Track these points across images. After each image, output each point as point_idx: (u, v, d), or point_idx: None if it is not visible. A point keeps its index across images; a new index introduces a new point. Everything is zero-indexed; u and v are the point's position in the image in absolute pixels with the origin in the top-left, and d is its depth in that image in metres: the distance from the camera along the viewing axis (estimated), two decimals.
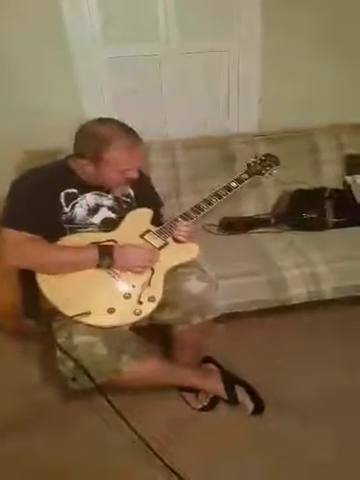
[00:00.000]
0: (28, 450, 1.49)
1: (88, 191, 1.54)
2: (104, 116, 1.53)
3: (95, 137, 1.42)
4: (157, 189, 1.84)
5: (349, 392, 1.67)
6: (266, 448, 1.48)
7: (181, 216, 1.60)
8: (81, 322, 1.35)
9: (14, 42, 2.07)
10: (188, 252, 1.55)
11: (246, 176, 1.83)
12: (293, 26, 2.27)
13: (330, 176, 2.39)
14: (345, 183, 2.34)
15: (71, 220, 1.51)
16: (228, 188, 1.74)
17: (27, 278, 1.43)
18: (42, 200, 1.44)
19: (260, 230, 2.18)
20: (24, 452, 1.49)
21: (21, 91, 2.17)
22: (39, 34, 2.08)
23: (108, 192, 1.58)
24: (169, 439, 1.49)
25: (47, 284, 1.39)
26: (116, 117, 1.52)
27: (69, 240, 1.47)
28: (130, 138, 1.45)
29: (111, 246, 1.43)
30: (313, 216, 2.15)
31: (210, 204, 1.65)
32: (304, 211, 2.16)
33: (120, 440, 1.47)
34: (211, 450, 1.48)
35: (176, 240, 1.56)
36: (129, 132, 1.46)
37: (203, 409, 1.63)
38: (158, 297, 1.43)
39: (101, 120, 1.48)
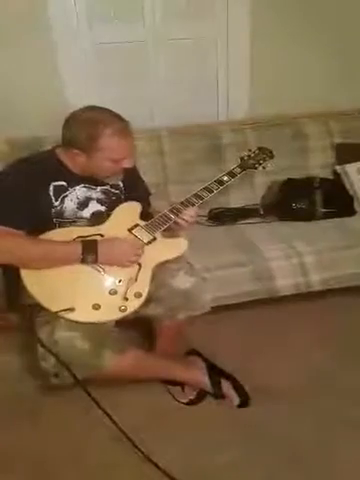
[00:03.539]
0: (5, 440, 1.49)
1: (77, 183, 1.50)
2: (89, 103, 1.48)
3: (88, 125, 1.38)
4: (144, 178, 1.80)
5: (333, 377, 1.68)
6: (251, 437, 1.48)
7: (170, 210, 1.55)
8: (64, 318, 1.33)
9: None
10: (176, 248, 1.52)
11: (239, 170, 1.79)
12: (282, 12, 2.23)
13: (319, 165, 2.36)
14: (335, 172, 2.32)
15: (61, 214, 1.47)
16: (220, 182, 1.69)
17: (11, 272, 1.39)
18: (29, 194, 1.40)
19: (249, 221, 2.16)
20: (1, 442, 1.48)
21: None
22: (21, 17, 1.99)
23: (97, 184, 1.54)
24: (151, 431, 1.47)
25: (31, 279, 1.36)
26: (101, 104, 1.47)
27: (55, 234, 1.43)
28: (122, 125, 1.41)
29: (95, 242, 1.39)
30: (302, 206, 2.14)
31: (201, 198, 1.61)
32: (293, 201, 2.14)
33: (101, 432, 1.46)
34: (194, 441, 1.47)
35: (176, 225, 1.54)
36: (120, 119, 1.42)
37: (190, 403, 1.61)
38: (144, 293, 1.41)
39: (91, 108, 1.44)
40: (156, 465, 1.34)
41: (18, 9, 1.97)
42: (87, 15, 2.08)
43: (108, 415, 1.35)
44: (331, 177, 2.34)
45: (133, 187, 1.66)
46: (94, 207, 1.54)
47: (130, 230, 1.50)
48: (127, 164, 1.47)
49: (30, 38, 2.03)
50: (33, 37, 2.03)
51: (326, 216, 2.13)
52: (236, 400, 1.60)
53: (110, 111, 1.43)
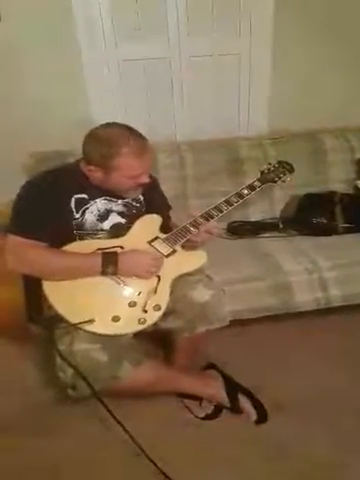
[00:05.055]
0: (21, 451, 1.49)
1: (99, 196, 1.51)
2: (113, 118, 1.51)
3: (103, 144, 1.39)
4: (164, 190, 1.81)
5: (348, 394, 1.66)
6: (264, 451, 1.46)
7: (191, 223, 1.56)
8: (84, 329, 1.34)
9: (23, 43, 2.04)
10: (196, 260, 1.52)
11: (259, 184, 1.79)
12: (303, 29, 2.24)
13: (339, 179, 2.34)
14: (356, 187, 2.30)
15: (81, 226, 1.48)
16: (240, 195, 1.71)
17: (32, 283, 1.41)
18: (52, 206, 1.41)
19: (268, 234, 2.15)
20: (17, 451, 1.49)
21: (27, 93, 2.14)
22: (48, 36, 2.05)
23: (118, 197, 1.55)
24: (166, 444, 1.47)
25: (52, 290, 1.38)
26: (125, 119, 1.49)
27: (75, 246, 1.45)
28: (138, 143, 1.41)
29: (115, 253, 1.41)
30: (322, 221, 2.12)
31: (221, 211, 1.62)
32: (313, 216, 2.13)
33: (116, 444, 1.46)
34: (207, 454, 1.46)
35: (191, 243, 1.55)
36: (137, 137, 1.42)
37: (206, 418, 1.59)
38: (164, 306, 1.41)
39: (108, 125, 1.45)
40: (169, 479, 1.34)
41: (44, 26, 2.03)
42: (113, 32, 2.13)
43: (124, 428, 1.35)
44: (351, 192, 2.32)
45: (153, 200, 1.67)
46: (114, 219, 1.54)
47: (150, 242, 1.51)
48: (144, 179, 1.48)
49: (55, 55, 2.08)
50: (58, 53, 2.08)
51: (346, 231, 2.11)
52: (253, 415, 1.58)
53: (128, 128, 1.43)
